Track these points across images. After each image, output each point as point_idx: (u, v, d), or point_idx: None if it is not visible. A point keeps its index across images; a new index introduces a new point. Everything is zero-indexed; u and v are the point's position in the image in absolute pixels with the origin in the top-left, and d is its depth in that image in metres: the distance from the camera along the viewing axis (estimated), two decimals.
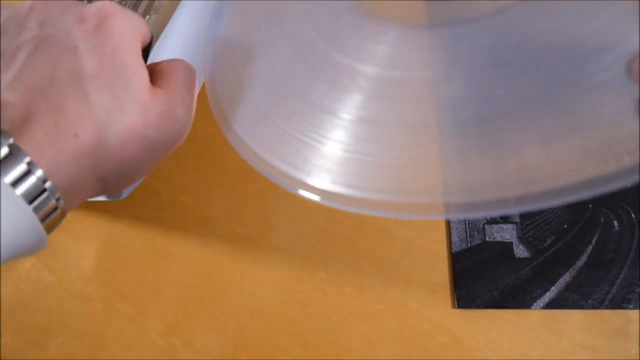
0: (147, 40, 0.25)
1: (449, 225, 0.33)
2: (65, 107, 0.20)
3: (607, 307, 0.29)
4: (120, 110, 0.21)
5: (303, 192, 0.24)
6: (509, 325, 0.30)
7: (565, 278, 0.30)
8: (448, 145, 0.23)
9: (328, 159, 0.25)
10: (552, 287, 0.30)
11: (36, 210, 0.19)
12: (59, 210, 0.20)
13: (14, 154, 0.18)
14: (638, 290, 0.29)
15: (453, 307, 0.31)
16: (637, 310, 0.29)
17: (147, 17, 0.28)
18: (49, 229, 0.20)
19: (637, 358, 0.29)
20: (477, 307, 0.31)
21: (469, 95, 0.24)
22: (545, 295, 0.30)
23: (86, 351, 0.33)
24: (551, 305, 0.30)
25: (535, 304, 0.30)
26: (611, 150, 0.19)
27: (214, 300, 0.33)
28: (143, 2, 0.29)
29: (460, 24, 0.25)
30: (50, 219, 0.20)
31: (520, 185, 0.20)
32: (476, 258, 0.31)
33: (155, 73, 0.24)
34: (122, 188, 0.24)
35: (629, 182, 0.18)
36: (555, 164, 0.20)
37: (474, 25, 0.25)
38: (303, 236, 0.34)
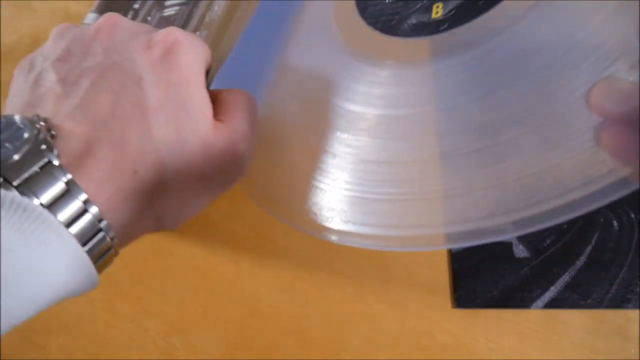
0: (209, 65, 0.23)
1: None
2: (127, 142, 0.19)
3: (606, 307, 0.29)
4: (182, 145, 0.20)
5: (332, 237, 0.26)
6: (509, 325, 0.30)
7: (565, 278, 0.30)
8: (450, 176, 0.23)
9: (341, 201, 0.26)
10: (552, 287, 0.30)
11: (90, 251, 0.18)
12: (112, 250, 0.19)
13: (71, 191, 0.17)
14: (638, 290, 0.29)
15: (453, 307, 0.31)
16: (637, 310, 0.29)
17: (198, 32, 0.28)
18: (102, 268, 0.19)
19: (637, 358, 0.29)
20: (477, 307, 0.31)
21: (467, 125, 0.23)
22: (544, 295, 0.30)
23: (86, 351, 0.33)
24: (551, 305, 0.30)
25: (534, 303, 0.30)
26: (611, 159, 0.19)
27: (214, 300, 0.33)
28: (194, 19, 0.29)
29: (459, 54, 0.25)
30: (103, 259, 0.19)
31: (522, 209, 0.20)
32: (476, 258, 0.31)
33: (216, 103, 0.22)
34: (177, 225, 0.22)
35: (630, 190, 0.18)
36: (558, 182, 0.20)
37: (470, 54, 0.25)
38: (303, 236, 0.34)
